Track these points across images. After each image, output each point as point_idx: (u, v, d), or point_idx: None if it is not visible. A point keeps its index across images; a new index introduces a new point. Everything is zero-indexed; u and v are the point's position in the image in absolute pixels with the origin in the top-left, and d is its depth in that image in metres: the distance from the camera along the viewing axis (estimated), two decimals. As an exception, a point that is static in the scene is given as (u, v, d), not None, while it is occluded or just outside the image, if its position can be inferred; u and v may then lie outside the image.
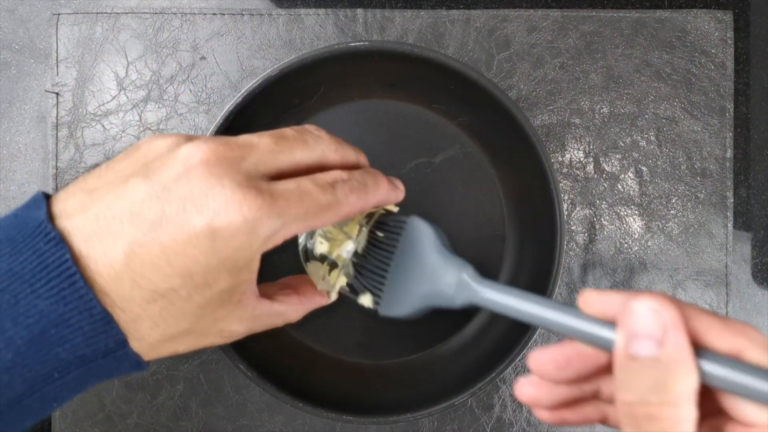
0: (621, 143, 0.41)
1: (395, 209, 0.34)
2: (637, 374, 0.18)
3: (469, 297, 0.26)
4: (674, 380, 0.18)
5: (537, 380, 0.23)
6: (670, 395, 0.18)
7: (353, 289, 0.33)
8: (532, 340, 0.35)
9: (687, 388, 0.18)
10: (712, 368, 0.18)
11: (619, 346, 0.19)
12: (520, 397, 0.24)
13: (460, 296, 0.27)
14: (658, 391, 0.18)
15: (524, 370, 0.40)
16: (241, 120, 0.35)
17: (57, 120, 0.40)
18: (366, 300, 0.32)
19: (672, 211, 0.41)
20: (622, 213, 0.41)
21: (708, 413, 0.20)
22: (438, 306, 0.28)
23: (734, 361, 0.19)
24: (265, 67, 0.41)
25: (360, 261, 0.32)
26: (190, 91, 0.41)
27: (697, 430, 0.19)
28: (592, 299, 0.21)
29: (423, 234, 0.29)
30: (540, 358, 0.22)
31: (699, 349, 0.19)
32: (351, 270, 0.32)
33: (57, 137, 0.40)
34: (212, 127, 0.35)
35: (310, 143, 0.28)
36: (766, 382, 0.18)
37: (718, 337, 0.19)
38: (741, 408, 0.19)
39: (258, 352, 0.36)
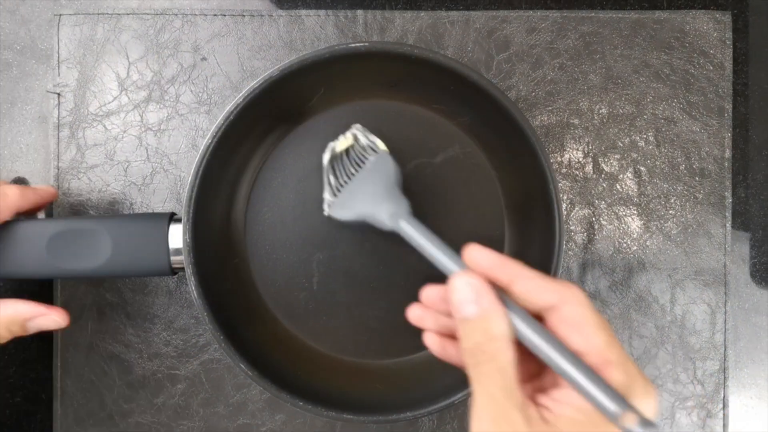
0: (620, 143, 0.41)
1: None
2: (470, 328, 0.25)
3: (393, 226, 0.33)
4: (491, 324, 0.25)
5: (425, 308, 0.29)
6: (489, 334, 0.25)
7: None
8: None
9: (501, 329, 0.25)
10: (517, 323, 0.25)
11: (454, 313, 0.26)
12: (409, 317, 0.30)
13: (390, 224, 0.34)
14: (483, 334, 0.25)
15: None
16: (241, 120, 0.35)
17: (58, 120, 0.41)
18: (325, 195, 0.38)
19: (670, 211, 0.41)
20: (620, 213, 0.41)
21: (535, 374, 0.26)
22: (370, 223, 0.35)
23: (537, 324, 0.25)
24: (265, 67, 0.41)
25: (338, 164, 0.38)
26: (191, 91, 0.41)
27: (525, 383, 0.26)
28: (471, 253, 0.27)
29: (387, 167, 0.36)
30: (430, 291, 0.29)
31: (517, 309, 0.25)
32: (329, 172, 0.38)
33: (58, 138, 0.40)
34: (213, 128, 0.35)
35: None
36: (552, 348, 0.24)
37: (538, 295, 0.25)
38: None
39: (259, 352, 0.36)
